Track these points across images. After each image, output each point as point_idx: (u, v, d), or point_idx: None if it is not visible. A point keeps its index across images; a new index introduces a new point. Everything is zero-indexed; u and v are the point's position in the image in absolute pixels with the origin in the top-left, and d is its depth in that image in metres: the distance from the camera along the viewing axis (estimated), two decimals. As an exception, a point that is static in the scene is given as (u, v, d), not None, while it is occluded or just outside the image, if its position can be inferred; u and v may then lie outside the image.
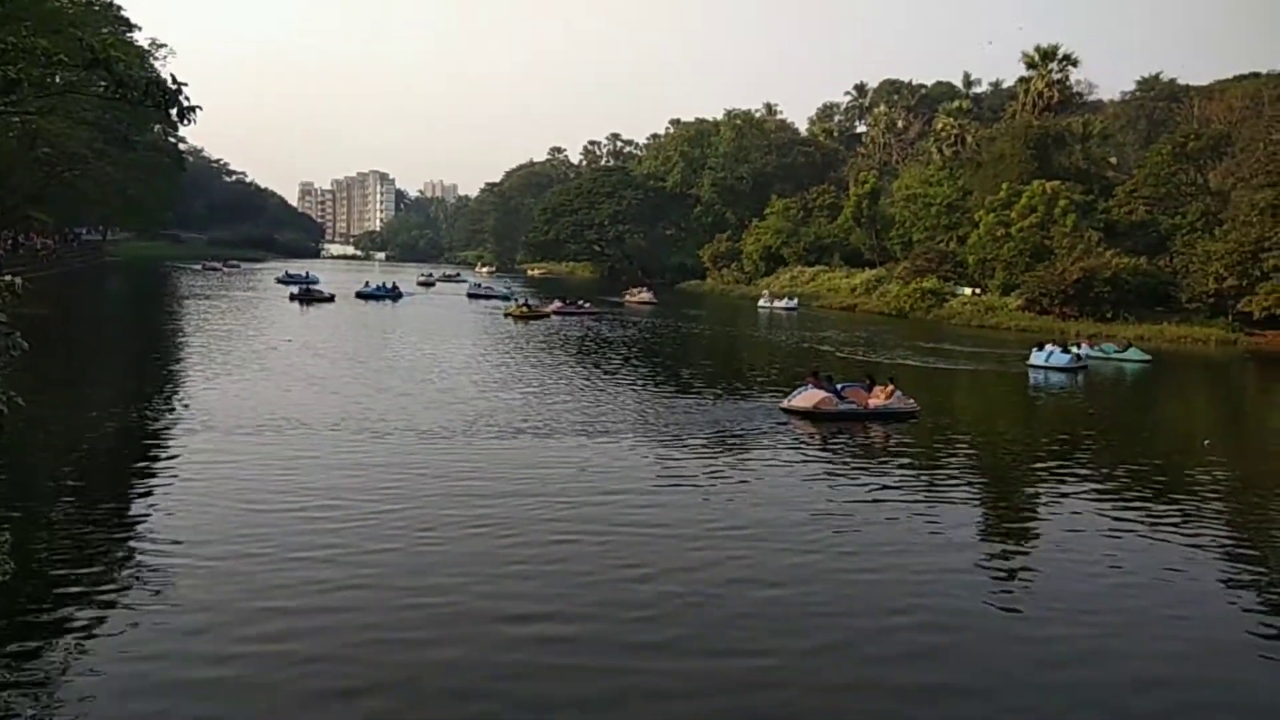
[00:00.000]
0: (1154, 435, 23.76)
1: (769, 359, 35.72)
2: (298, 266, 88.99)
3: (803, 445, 18.54)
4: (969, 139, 78.20)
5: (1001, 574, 11.55)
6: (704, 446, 17.88)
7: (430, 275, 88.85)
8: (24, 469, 14.17)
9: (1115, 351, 39.30)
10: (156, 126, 75.73)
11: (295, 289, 56.63)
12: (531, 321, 47.16)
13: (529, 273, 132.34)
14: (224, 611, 9.07)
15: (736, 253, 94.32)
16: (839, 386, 22.11)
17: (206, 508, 12.27)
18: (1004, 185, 61.08)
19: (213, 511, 12.13)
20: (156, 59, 76.15)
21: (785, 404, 21.80)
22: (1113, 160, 71.87)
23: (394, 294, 60.17)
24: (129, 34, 64.64)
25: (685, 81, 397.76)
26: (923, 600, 10.26)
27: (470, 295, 66.22)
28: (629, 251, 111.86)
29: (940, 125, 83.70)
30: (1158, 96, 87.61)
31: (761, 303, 69.62)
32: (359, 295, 56.84)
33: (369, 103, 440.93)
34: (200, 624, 8.74)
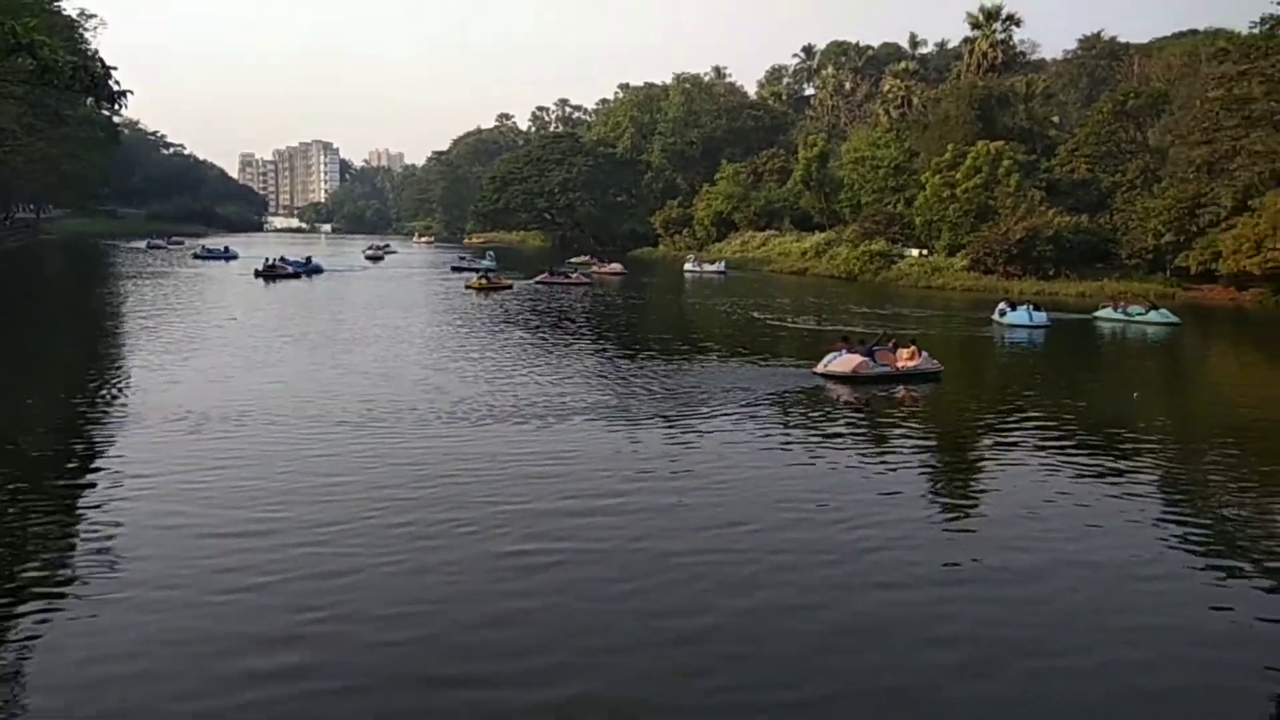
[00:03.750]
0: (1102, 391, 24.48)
1: (753, 326, 35.80)
2: (215, 241, 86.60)
3: (851, 411, 19.15)
4: (915, 100, 78.64)
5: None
6: (746, 414, 18.29)
7: (379, 248, 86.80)
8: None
9: (1140, 314, 38.70)
10: (89, 99, 73.23)
11: (260, 265, 55.43)
12: (493, 294, 46.87)
13: (466, 241, 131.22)
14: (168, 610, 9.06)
15: (688, 219, 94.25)
16: (872, 348, 22.94)
17: (143, 500, 12.11)
18: (949, 146, 61.63)
19: (149, 508, 11.93)
20: (86, 30, 73.53)
21: (821, 368, 22.40)
22: (1055, 119, 72.91)
23: (310, 269, 56.60)
24: (55, 2, 62.10)
25: (634, 45, 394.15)
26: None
27: (455, 269, 65.03)
28: (580, 219, 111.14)
29: (887, 87, 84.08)
30: (1099, 55, 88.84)
31: (688, 267, 70.77)
32: (257, 274, 52.48)
33: (310, 70, 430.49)
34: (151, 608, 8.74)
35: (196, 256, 72.12)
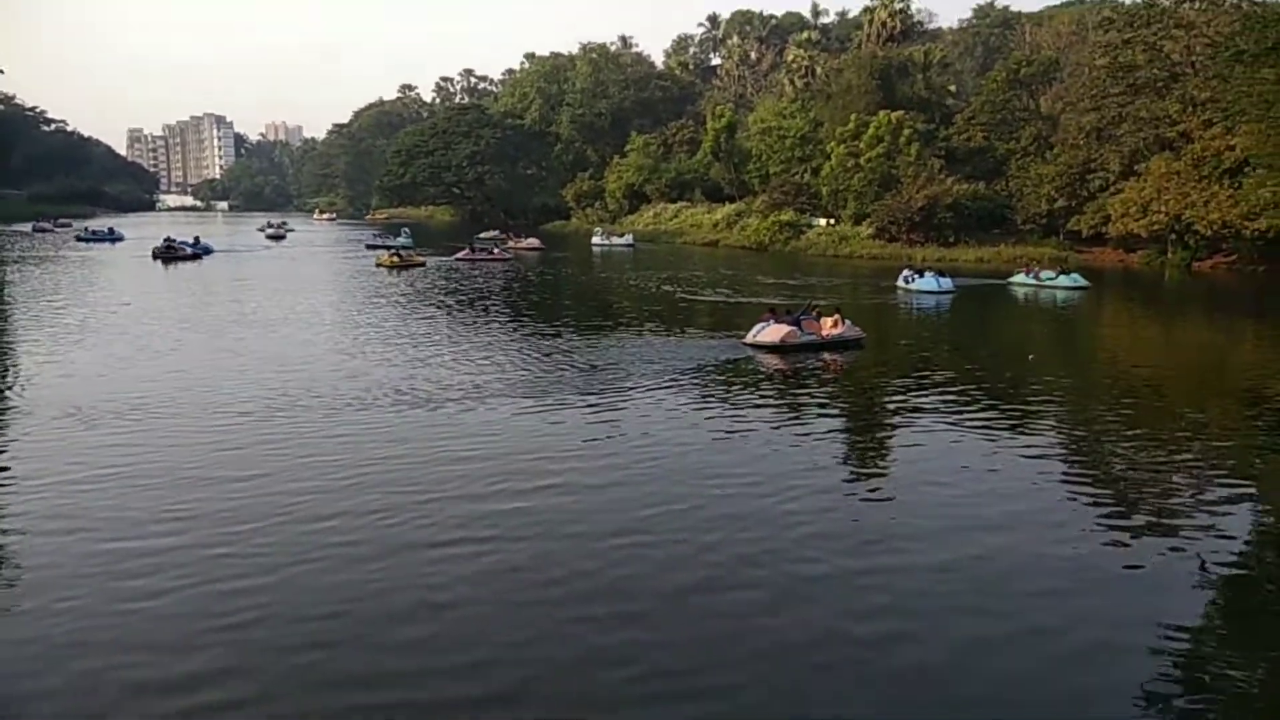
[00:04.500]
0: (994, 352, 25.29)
1: (683, 299, 35.78)
2: (104, 223, 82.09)
3: (778, 380, 19.18)
4: (819, 70, 79.47)
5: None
6: (669, 389, 18.45)
7: (278, 225, 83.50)
8: None
9: (1051, 278, 39.97)
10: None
11: (159, 244, 52.93)
12: (405, 271, 45.76)
13: (370, 218, 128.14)
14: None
15: (600, 191, 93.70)
16: (799, 317, 23.44)
17: (34, 502, 11.41)
18: (853, 116, 62.55)
19: (41, 509, 11.27)
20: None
21: (750, 339, 22.95)
22: (952, 89, 74.68)
23: (199, 249, 54.27)
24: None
25: (539, 13, 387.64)
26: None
27: (370, 247, 63.04)
28: (490, 193, 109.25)
29: (791, 57, 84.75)
30: (993, 24, 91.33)
31: (596, 240, 70.49)
32: (156, 255, 50.94)
33: (198, 39, 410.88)
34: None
35: (80, 239, 68.57)
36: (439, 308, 32.16)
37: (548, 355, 22.28)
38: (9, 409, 16.36)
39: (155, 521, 10.95)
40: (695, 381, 19.40)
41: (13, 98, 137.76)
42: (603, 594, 9.31)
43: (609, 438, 15.01)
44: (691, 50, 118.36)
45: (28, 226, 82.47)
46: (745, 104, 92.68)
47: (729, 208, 75.54)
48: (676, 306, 33.23)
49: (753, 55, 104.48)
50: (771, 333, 22.75)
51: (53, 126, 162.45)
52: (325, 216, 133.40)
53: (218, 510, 11.29)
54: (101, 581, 9.37)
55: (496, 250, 55.49)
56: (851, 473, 13.81)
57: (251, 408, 16.35)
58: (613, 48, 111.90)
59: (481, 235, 72.60)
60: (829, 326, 23.65)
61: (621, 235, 71.92)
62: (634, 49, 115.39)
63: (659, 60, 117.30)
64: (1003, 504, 12.14)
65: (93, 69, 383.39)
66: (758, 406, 17.47)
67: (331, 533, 10.63)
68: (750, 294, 36.58)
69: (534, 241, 65.63)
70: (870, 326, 24.63)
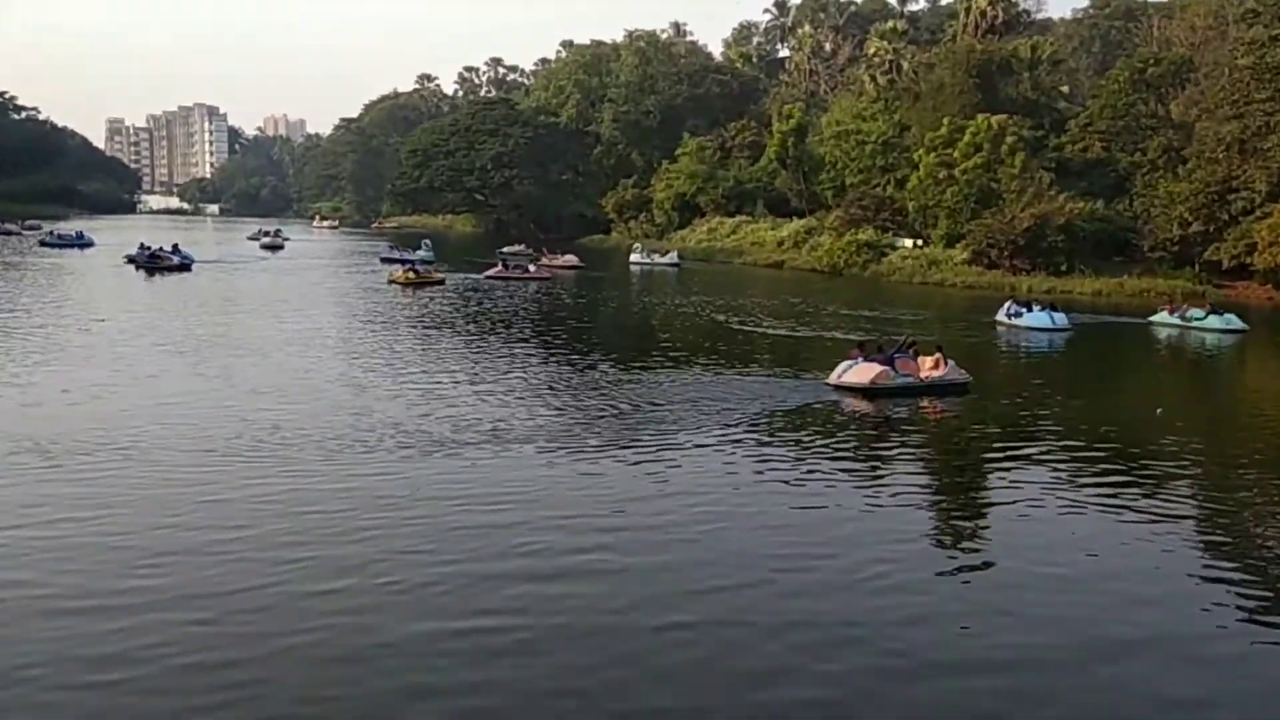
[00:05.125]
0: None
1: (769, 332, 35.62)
2: (70, 227, 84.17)
3: (864, 431, 19.29)
4: (905, 65, 79.54)
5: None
6: (730, 438, 18.23)
7: (272, 233, 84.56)
8: None
9: (1199, 318, 38.48)
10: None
11: (135, 253, 54.23)
12: (419, 289, 46.37)
13: (377, 226, 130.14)
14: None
15: (645, 202, 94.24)
16: (892, 355, 23.33)
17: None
18: (945, 120, 62.24)
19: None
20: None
21: (834, 379, 22.84)
22: (1065, 89, 74.20)
23: (181, 260, 55.33)
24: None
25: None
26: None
27: (385, 260, 64.12)
28: (518, 201, 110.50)
29: (873, 49, 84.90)
30: (1113, 15, 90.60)
31: (635, 258, 70.86)
32: (137, 265, 52.63)
33: (187, 17, 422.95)
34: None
35: (44, 244, 70.66)
36: (458, 334, 32.39)
37: (583, 393, 22.25)
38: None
39: (124, 581, 10.94)
40: (759, 429, 19.23)
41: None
42: (642, 687, 9.11)
43: (655, 495, 14.85)
44: (755, 40, 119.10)
45: None
46: (818, 103, 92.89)
47: (797, 224, 75.43)
48: (734, 339, 33.12)
49: (827, 47, 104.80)
50: (860, 372, 22.60)
51: (22, 115, 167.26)
52: (326, 224, 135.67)
53: (197, 572, 11.25)
54: (58, 650, 9.33)
55: (533, 268, 55.99)
56: (950, 544, 13.49)
57: (240, 449, 16.43)
58: (664, 36, 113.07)
59: (507, 249, 73.24)
60: (928, 367, 23.44)
61: (665, 253, 72.44)
62: (688, 38, 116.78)
63: (717, 51, 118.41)
64: (1127, 584, 11.80)
65: (68, 49, 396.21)
66: (838, 460, 17.25)
67: (329, 602, 10.54)
68: (821, 326, 36.38)
69: (571, 258, 66.21)
70: (970, 369, 24.28)
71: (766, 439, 18.61)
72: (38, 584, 10.86)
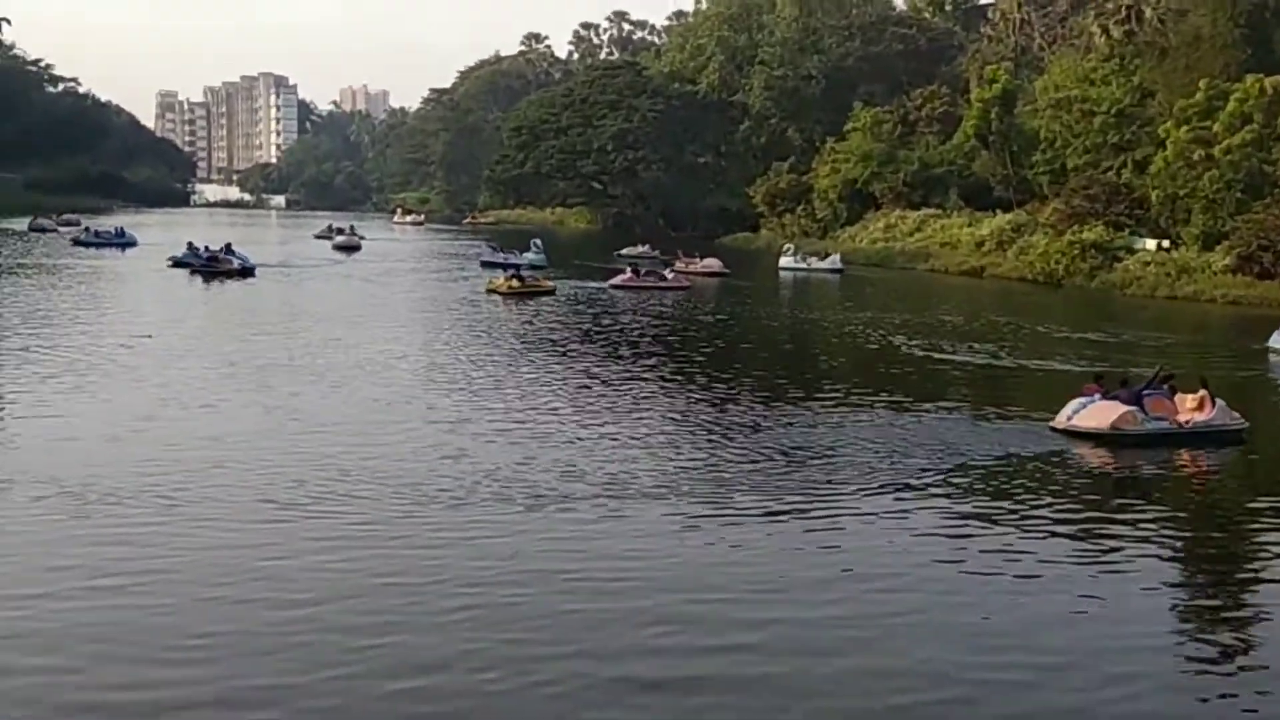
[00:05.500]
0: None
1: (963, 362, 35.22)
2: (110, 223, 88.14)
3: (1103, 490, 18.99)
4: (1148, 12, 77.57)
5: None
6: (919, 497, 18.04)
7: (347, 230, 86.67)
8: None
9: None
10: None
11: (181, 255, 56.99)
12: (525, 300, 47.28)
13: (469, 221, 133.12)
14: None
15: (804, 191, 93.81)
16: (1141, 392, 22.76)
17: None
18: (1202, 83, 60.55)
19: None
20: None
21: (1062, 422, 22.53)
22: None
23: (248, 265, 56.87)
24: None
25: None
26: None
27: (486, 264, 65.79)
28: (643, 190, 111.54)
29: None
30: None
31: (786, 261, 71.17)
32: (194, 270, 54.99)
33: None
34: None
35: (78, 243, 74.13)
36: (571, 356, 32.80)
37: (725, 436, 22.15)
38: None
39: (155, 670, 11.14)
40: (956, 487, 18.82)
41: (10, 48, 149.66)
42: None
43: (819, 575, 14.60)
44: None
45: (23, 223, 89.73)
46: (1031, 64, 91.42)
47: (1002, 218, 74.11)
48: (917, 368, 32.77)
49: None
50: (1097, 414, 22.09)
51: (59, 87, 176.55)
52: (409, 219, 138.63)
53: (248, 660, 11.41)
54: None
55: (670, 275, 56.37)
56: (1224, 656, 12.76)
57: (304, 500, 16.79)
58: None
59: (627, 250, 73.82)
60: (1190, 408, 22.72)
61: (824, 256, 72.44)
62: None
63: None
64: None
65: (113, 8, 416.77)
66: (1066, 532, 16.71)
67: (409, 703, 10.60)
68: (1035, 353, 35.61)
69: (713, 263, 66.55)
70: (1243, 411, 23.32)
71: (966, 501, 18.15)
72: (51, 670, 11.11)
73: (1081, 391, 23.14)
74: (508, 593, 13.36)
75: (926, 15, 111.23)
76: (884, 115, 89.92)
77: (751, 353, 37.33)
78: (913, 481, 18.88)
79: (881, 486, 18.55)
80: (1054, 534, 16.70)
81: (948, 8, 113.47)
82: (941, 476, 19.38)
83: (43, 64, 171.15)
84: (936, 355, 35.12)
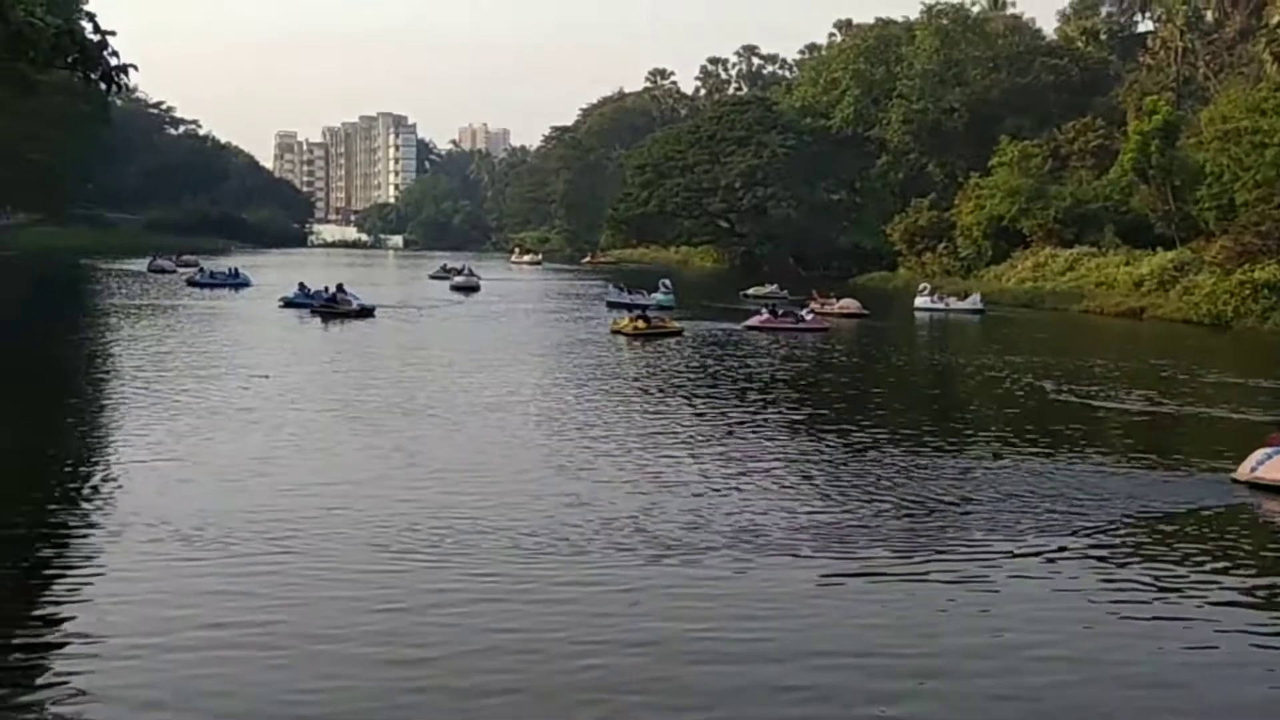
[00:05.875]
0: None
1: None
2: (225, 263, 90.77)
3: None
4: (1326, 36, 75.54)
5: None
6: (1113, 553, 17.64)
7: (464, 271, 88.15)
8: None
9: None
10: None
11: (293, 295, 58.98)
12: (650, 341, 47.75)
13: (588, 261, 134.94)
14: None
15: (946, 227, 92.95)
16: None
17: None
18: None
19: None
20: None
21: (1247, 474, 21.87)
22: None
23: (367, 306, 58.59)
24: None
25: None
26: None
27: (611, 305, 66.39)
28: (773, 228, 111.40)
29: (1276, 19, 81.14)
30: None
31: (922, 301, 71.52)
32: (314, 310, 56.77)
33: (372, 10, 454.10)
34: None
35: (192, 283, 76.26)
36: (699, 400, 32.81)
37: (862, 484, 21.90)
38: (86, 522, 17.76)
39: (275, 718, 11.32)
40: (1121, 541, 18.24)
41: (134, 91, 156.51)
42: None
43: (968, 636, 14.13)
44: (1105, 10, 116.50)
45: (143, 264, 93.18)
46: (1194, 93, 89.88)
47: (1163, 256, 72.47)
48: (1070, 415, 31.87)
49: (1209, 16, 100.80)
50: None
51: (182, 129, 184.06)
52: (527, 259, 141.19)
53: (363, 706, 11.51)
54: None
55: (809, 316, 56.17)
56: None
57: (419, 545, 16.89)
58: (975, 10, 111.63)
59: (753, 290, 73.69)
60: None
61: (964, 296, 72.37)
62: (1008, 10, 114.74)
63: (1048, 27, 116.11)
64: None
65: (233, 50, 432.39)
66: (1249, 590, 16.03)
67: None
68: (1203, 400, 34.46)
69: (851, 303, 66.30)
70: None
71: (1134, 560, 17.44)
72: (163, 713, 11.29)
73: (1266, 442, 22.29)
74: (628, 653, 13.22)
75: (1079, 45, 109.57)
76: (1033, 149, 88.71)
77: (890, 397, 36.94)
78: (1066, 534, 18.35)
79: (1036, 543, 17.98)
80: (1233, 590, 16.03)
81: (1103, 37, 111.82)
82: (1100, 528, 18.84)
83: (164, 106, 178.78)
84: (1093, 401, 34.32)
